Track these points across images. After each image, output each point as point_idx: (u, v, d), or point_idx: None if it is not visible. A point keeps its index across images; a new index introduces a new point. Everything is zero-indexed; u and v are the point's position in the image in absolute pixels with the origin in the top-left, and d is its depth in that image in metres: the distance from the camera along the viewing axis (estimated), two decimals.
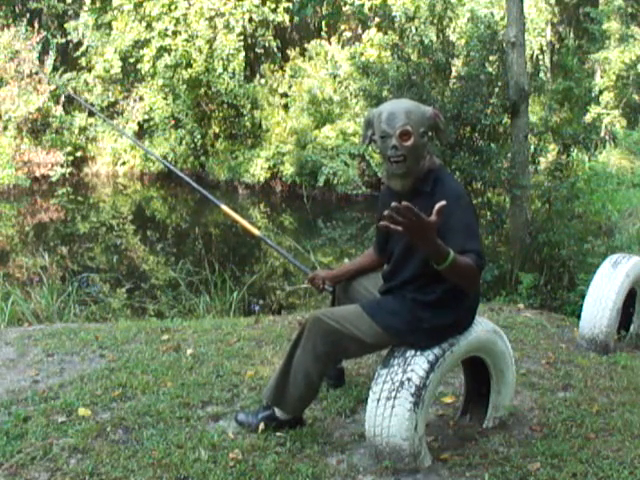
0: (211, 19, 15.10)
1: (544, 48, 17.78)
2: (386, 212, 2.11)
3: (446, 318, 2.60)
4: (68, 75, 16.85)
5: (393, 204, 2.10)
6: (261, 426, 2.83)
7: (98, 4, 16.54)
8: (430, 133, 2.70)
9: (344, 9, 16.53)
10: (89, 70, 16.60)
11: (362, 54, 14.55)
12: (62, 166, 15.89)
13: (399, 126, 2.59)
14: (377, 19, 15.61)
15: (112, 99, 16.85)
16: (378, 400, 2.57)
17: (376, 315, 2.64)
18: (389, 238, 2.80)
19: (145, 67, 15.51)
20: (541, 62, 17.27)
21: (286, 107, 15.78)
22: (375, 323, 2.62)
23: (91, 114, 16.94)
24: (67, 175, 16.05)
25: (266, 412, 2.86)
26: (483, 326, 2.75)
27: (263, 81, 16.09)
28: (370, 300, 2.80)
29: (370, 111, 2.77)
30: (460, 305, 2.62)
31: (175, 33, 15.25)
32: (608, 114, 16.00)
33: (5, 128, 15.41)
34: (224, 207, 3.73)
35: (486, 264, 2.77)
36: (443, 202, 2.18)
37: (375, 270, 3.05)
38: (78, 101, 16.94)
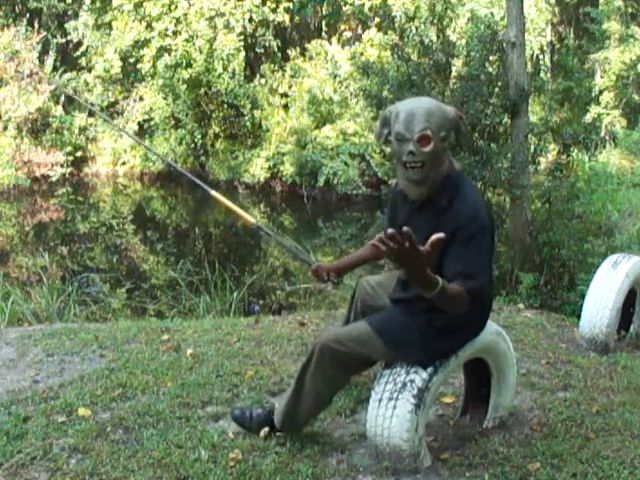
0: (211, 19, 15.11)
1: (544, 48, 17.78)
2: (378, 237, 2.07)
3: (456, 340, 2.59)
4: (68, 75, 16.87)
5: (390, 231, 2.01)
6: (262, 432, 2.79)
7: (98, 4, 16.56)
8: (451, 136, 2.48)
9: (344, 9, 16.53)
10: (89, 70, 16.61)
11: (362, 54, 14.57)
12: (62, 166, 15.91)
13: (418, 130, 2.38)
14: (377, 19, 15.62)
15: (112, 99, 16.86)
16: (380, 400, 2.57)
17: (386, 335, 2.55)
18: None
19: (145, 67, 15.53)
20: (541, 62, 17.27)
21: (286, 107, 15.79)
22: (384, 343, 2.55)
23: (91, 114, 16.95)
24: (67, 175, 16.07)
25: (265, 414, 2.83)
26: (487, 328, 2.74)
27: (263, 81, 16.10)
28: (378, 316, 2.66)
29: (388, 108, 2.56)
30: (471, 327, 2.60)
31: (175, 33, 15.27)
32: (608, 114, 16.00)
33: (5, 128, 15.43)
34: (215, 194, 3.54)
35: (492, 292, 2.65)
36: (441, 234, 2.08)
37: (378, 260, 2.99)
38: (78, 101, 16.96)
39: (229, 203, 3.49)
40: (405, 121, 2.40)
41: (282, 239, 3.66)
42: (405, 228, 2.02)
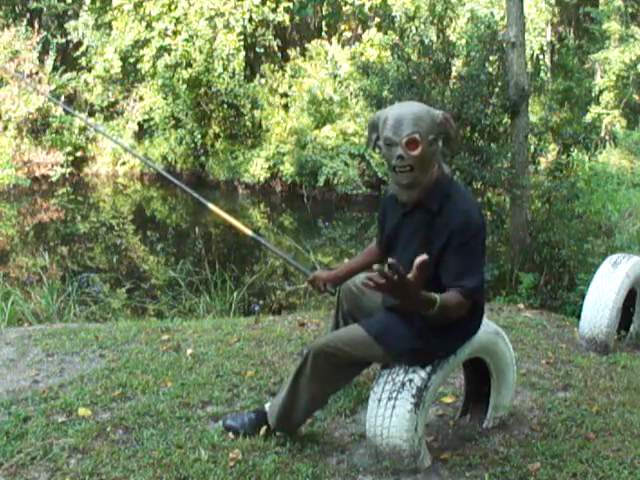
0: (211, 19, 15.11)
1: (544, 48, 17.78)
2: (366, 278, 2.09)
3: (455, 340, 2.59)
4: (68, 75, 16.87)
5: (375, 266, 2.05)
6: (263, 430, 2.79)
7: (98, 4, 16.56)
8: (440, 140, 2.50)
9: (344, 9, 16.54)
10: (89, 70, 16.61)
11: (362, 54, 14.57)
12: (62, 166, 15.91)
13: (406, 134, 2.41)
14: (377, 19, 15.62)
15: (112, 99, 16.86)
16: (379, 400, 2.57)
17: (384, 340, 2.54)
18: (391, 241, 2.70)
19: (145, 67, 15.53)
20: (541, 62, 17.27)
21: (286, 107, 15.79)
22: (384, 349, 2.55)
23: (91, 114, 16.96)
24: (67, 175, 16.06)
25: (259, 417, 2.81)
26: (485, 327, 2.74)
27: (263, 81, 16.10)
28: (375, 321, 2.63)
29: (375, 114, 2.58)
30: (468, 326, 2.60)
31: (175, 33, 15.27)
32: (608, 114, 16.02)
33: (5, 128, 15.42)
34: (213, 207, 3.57)
35: (484, 294, 2.68)
36: (425, 256, 2.10)
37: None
38: (78, 102, 16.99)
39: (225, 215, 3.50)
40: (393, 126, 2.43)
41: (278, 249, 3.67)
42: (391, 260, 2.06)
